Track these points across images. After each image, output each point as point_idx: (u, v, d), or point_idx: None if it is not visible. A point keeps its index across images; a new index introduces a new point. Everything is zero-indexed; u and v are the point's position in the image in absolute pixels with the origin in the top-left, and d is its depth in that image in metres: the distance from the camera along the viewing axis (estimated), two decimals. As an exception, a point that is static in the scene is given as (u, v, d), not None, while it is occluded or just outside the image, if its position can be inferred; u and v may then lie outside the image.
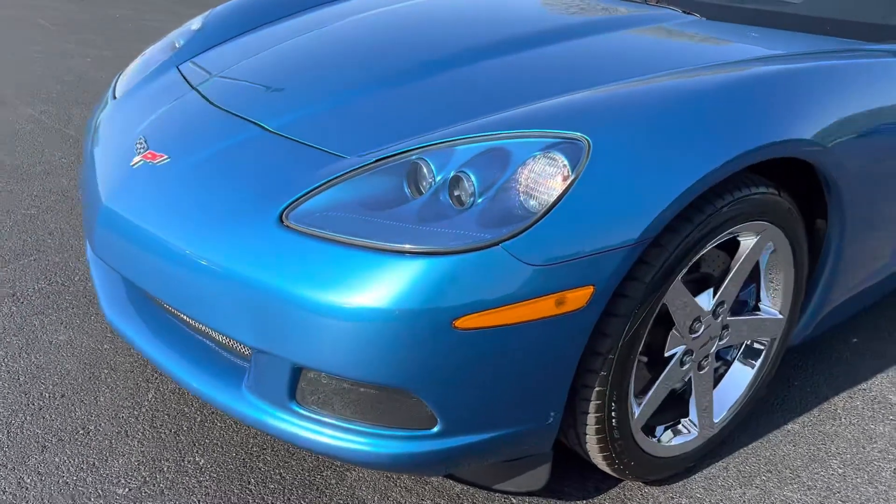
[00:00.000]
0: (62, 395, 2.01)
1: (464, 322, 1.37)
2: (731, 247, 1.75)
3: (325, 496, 1.75)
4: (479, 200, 1.44)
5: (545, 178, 1.43)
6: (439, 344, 1.37)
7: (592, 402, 1.58)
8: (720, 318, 1.77)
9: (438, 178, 1.49)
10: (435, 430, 1.47)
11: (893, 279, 2.22)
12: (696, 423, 1.85)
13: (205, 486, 1.76)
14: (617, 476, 1.78)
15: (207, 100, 1.97)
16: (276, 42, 2.26)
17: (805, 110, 1.71)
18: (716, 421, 1.89)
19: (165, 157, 1.77)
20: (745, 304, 1.89)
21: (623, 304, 1.51)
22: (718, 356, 1.92)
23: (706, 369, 1.80)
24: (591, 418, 1.60)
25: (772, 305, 1.89)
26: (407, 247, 1.39)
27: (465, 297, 1.36)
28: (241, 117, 1.85)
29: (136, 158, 1.81)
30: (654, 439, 1.78)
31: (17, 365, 2.11)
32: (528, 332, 1.41)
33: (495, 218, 1.40)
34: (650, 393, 1.70)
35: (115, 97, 2.21)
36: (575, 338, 1.46)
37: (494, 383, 1.44)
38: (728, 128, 1.55)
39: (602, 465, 1.71)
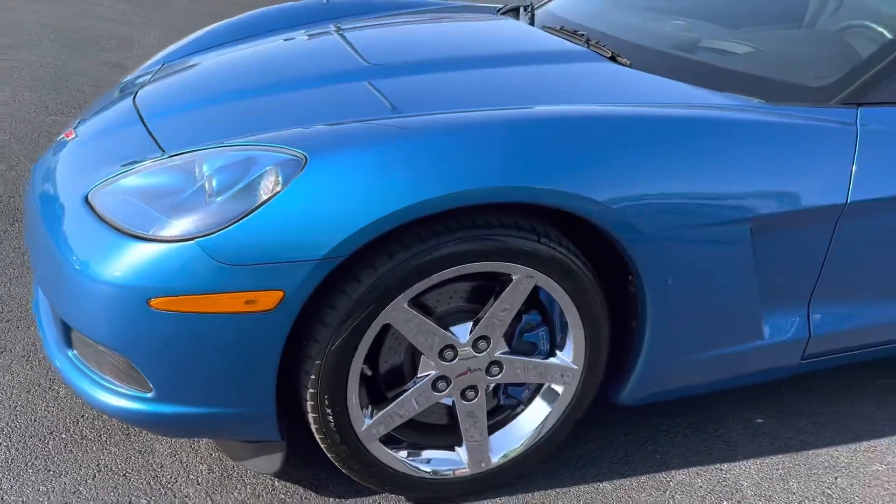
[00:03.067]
0: None
1: (158, 303, 1.57)
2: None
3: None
4: (218, 199, 1.63)
5: (258, 188, 1.59)
6: (138, 318, 1.58)
7: (308, 402, 1.71)
8: (485, 353, 1.80)
9: (204, 178, 1.70)
10: (150, 394, 1.67)
11: (749, 360, 2.06)
12: (467, 454, 1.89)
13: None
14: (359, 482, 1.87)
15: (133, 99, 2.30)
16: (204, 61, 2.56)
17: (582, 162, 1.71)
18: (494, 459, 1.91)
19: (74, 134, 2.14)
20: (535, 346, 1.89)
21: (331, 315, 1.63)
22: (510, 395, 1.94)
23: (474, 401, 1.84)
24: (311, 418, 1.73)
25: (567, 354, 1.88)
26: (141, 233, 1.62)
27: (158, 282, 1.56)
28: (138, 112, 2.16)
29: (59, 138, 2.19)
30: (406, 457, 1.85)
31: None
32: (220, 322, 1.58)
33: (208, 217, 1.59)
34: (387, 408, 1.78)
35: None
36: (268, 336, 1.60)
37: (195, 363, 1.62)
38: (446, 167, 1.61)
39: (337, 465, 1.82)
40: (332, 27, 2.67)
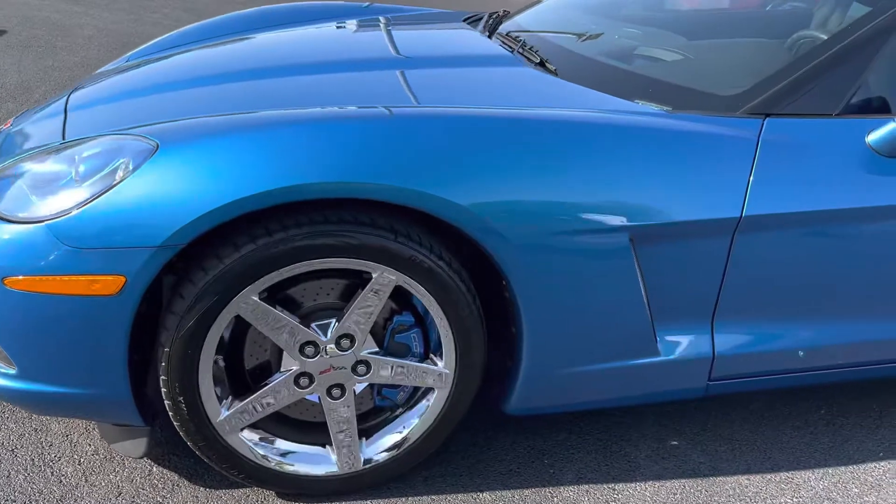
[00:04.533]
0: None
1: (11, 282, 1.62)
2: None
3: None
4: (83, 185, 1.67)
5: (114, 175, 1.63)
6: (-5, 295, 1.64)
7: (162, 389, 1.73)
8: (350, 352, 1.79)
9: (83, 163, 1.75)
10: (14, 371, 1.73)
11: (647, 377, 1.97)
12: (336, 453, 1.88)
13: None
14: (226, 475, 1.88)
15: (68, 96, 2.37)
16: (149, 61, 2.62)
17: (446, 164, 1.69)
18: (364, 458, 1.90)
19: (10, 123, 2.25)
20: (408, 347, 1.87)
21: (178, 303, 1.65)
22: (385, 396, 1.91)
23: (340, 400, 1.83)
24: (167, 404, 1.75)
25: (440, 358, 1.85)
26: (10, 215, 1.68)
27: (11, 261, 1.62)
28: (66, 103, 2.24)
29: (1, 128, 2.30)
30: (268, 451, 1.85)
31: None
32: (68, 304, 1.62)
33: (67, 201, 1.64)
34: (245, 401, 1.78)
35: None
36: (113, 320, 1.63)
37: (49, 342, 1.67)
38: (287, 160, 1.61)
39: (197, 454, 1.83)
40: (269, 32, 2.72)
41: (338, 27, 2.82)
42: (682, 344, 1.98)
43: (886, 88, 1.99)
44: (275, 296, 1.74)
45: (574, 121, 1.83)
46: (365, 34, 2.71)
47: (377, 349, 1.84)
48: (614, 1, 2.97)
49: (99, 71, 2.73)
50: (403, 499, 1.95)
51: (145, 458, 1.99)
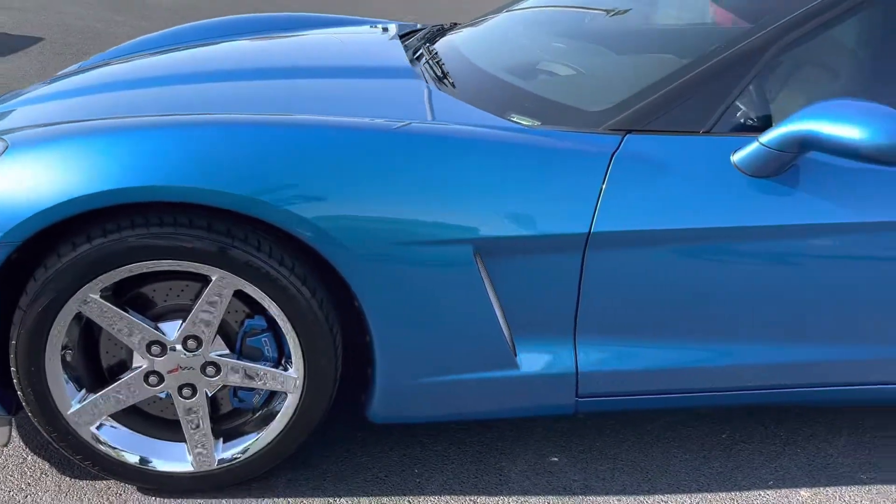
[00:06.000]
0: None
1: None
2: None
3: None
4: None
5: None
6: None
7: (14, 380, 1.81)
8: (198, 353, 1.84)
9: None
10: None
11: (508, 390, 1.96)
12: (190, 452, 1.93)
13: None
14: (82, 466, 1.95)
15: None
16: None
17: (284, 173, 1.73)
18: (219, 458, 1.94)
19: None
20: (261, 351, 1.90)
21: (23, 298, 1.73)
22: (241, 398, 1.95)
23: (191, 400, 1.88)
24: (20, 395, 1.82)
25: (291, 363, 1.88)
26: None
27: None
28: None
29: None
30: (121, 446, 1.91)
31: None
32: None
33: None
34: (95, 396, 1.85)
35: None
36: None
37: None
38: (117, 163, 1.67)
39: (53, 445, 1.91)
40: (198, 43, 2.80)
41: (268, 38, 2.89)
42: (543, 359, 1.97)
43: (755, 107, 1.95)
44: (124, 294, 1.81)
45: (426, 133, 1.85)
46: (282, 44, 2.77)
47: (228, 351, 1.88)
48: (559, 16, 2.95)
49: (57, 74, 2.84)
50: (261, 499, 1.99)
51: (24, 447, 2.07)
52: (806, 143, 1.77)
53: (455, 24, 3.12)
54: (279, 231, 1.76)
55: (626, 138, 1.88)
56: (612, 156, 1.85)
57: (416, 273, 1.81)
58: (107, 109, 2.08)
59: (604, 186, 1.83)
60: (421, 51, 2.58)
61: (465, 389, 1.98)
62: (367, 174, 1.77)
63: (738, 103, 1.92)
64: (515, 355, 1.94)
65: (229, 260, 1.74)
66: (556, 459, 2.21)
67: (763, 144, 1.83)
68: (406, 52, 2.59)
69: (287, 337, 1.85)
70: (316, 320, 1.83)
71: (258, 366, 1.89)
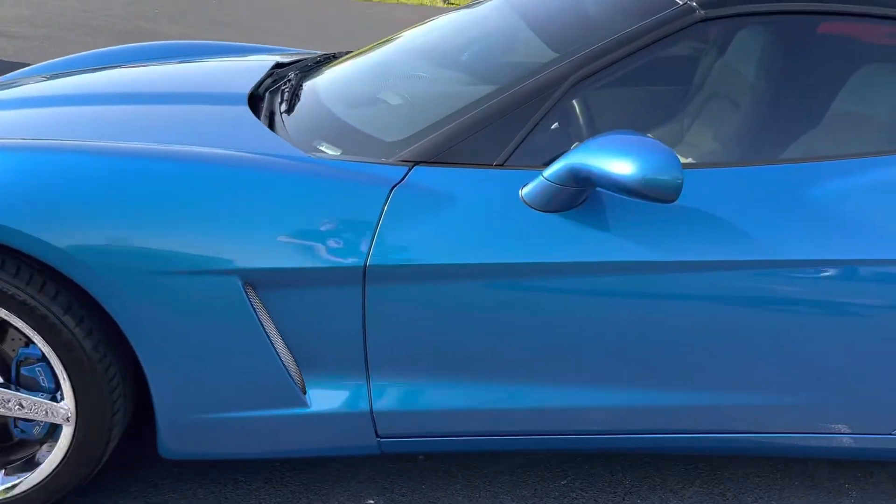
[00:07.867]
0: None
1: None
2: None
3: None
4: None
5: None
6: None
7: None
8: (-27, 381, 1.80)
9: None
10: None
11: (300, 429, 1.89)
12: (-29, 481, 1.88)
13: None
14: None
15: None
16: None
17: (22, 196, 1.69)
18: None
19: None
20: (37, 381, 1.85)
21: None
22: (23, 429, 1.89)
23: (-34, 428, 1.84)
24: None
25: (62, 393, 1.83)
26: None
27: None
28: None
29: None
30: None
31: None
32: None
33: None
34: None
35: None
36: None
37: None
38: None
39: None
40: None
41: (153, 64, 2.87)
42: (337, 397, 1.89)
43: (549, 142, 1.88)
44: None
45: (201, 161, 1.80)
46: (159, 71, 2.75)
47: (1, 380, 1.84)
48: (441, 45, 2.89)
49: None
50: (46, 536, 1.93)
51: None
52: (579, 178, 1.70)
53: (348, 52, 3.08)
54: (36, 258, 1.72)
55: (412, 170, 1.82)
56: (393, 188, 1.78)
57: (182, 304, 1.75)
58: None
59: (381, 219, 1.76)
60: (278, 80, 2.55)
61: (255, 427, 1.91)
62: (132, 201, 1.72)
63: (532, 136, 1.85)
64: (305, 393, 1.87)
65: (-8, 288, 1.70)
66: (372, 502, 2.12)
67: (545, 178, 1.75)
68: (264, 80, 2.55)
69: (55, 368, 1.80)
70: (82, 351, 1.77)
71: (28, 396, 1.83)
